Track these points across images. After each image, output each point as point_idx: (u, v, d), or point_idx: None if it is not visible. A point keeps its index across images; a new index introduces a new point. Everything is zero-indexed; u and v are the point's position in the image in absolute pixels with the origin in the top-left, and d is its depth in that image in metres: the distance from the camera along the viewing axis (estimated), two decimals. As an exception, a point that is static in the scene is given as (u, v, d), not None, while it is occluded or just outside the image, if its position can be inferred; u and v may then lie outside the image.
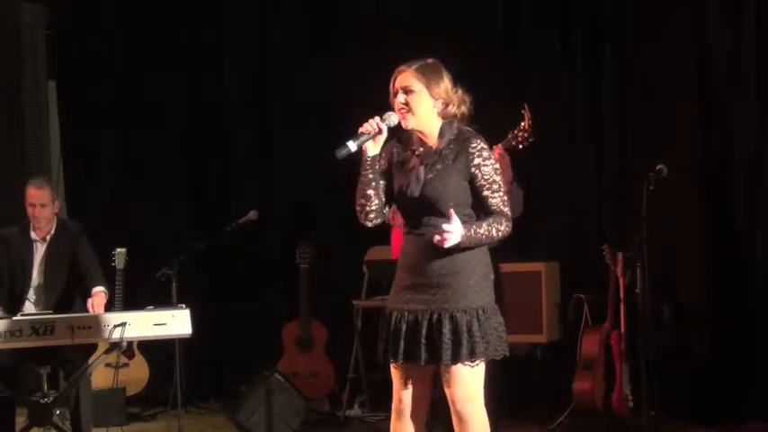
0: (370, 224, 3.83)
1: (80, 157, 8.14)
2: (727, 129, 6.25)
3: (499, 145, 5.03)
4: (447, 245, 3.57)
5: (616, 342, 5.95)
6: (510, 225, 3.73)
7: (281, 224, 7.46)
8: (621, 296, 5.95)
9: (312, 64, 7.53)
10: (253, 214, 6.62)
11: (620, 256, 5.96)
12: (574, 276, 6.53)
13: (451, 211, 3.60)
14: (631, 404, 5.90)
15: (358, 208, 3.81)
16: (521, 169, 5.16)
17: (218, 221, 6.79)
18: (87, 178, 8.07)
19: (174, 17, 7.92)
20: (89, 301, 5.47)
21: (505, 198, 3.74)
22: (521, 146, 5.04)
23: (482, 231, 3.65)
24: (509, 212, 3.73)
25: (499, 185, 3.72)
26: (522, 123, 5.04)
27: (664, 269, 6.07)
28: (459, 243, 3.60)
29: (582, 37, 6.74)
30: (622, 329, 5.94)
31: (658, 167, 5.56)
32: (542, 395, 6.39)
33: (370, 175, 3.75)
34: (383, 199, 3.81)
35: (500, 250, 5.27)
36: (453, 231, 3.57)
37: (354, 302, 6.78)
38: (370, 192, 3.76)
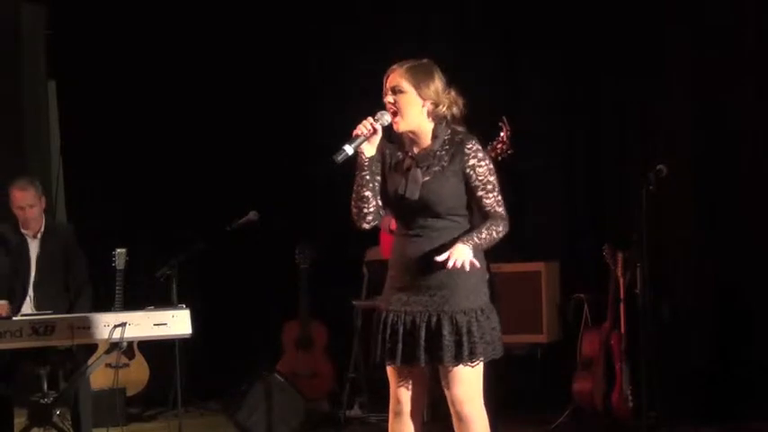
0: (367, 226, 3.78)
1: (80, 157, 8.13)
2: (726, 128, 6.25)
3: None
4: (464, 264, 3.54)
5: (616, 342, 5.95)
6: (506, 225, 3.72)
7: (280, 224, 7.45)
8: (621, 296, 5.94)
9: (311, 63, 7.52)
10: (253, 214, 6.60)
11: (620, 256, 5.95)
12: (574, 276, 6.53)
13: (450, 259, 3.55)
14: (631, 404, 5.90)
15: (355, 210, 3.76)
16: (520, 168, 5.16)
17: (218, 221, 6.78)
18: (87, 178, 8.06)
19: (173, 16, 7.91)
20: None
21: (500, 198, 3.72)
22: (500, 158, 5.07)
23: (484, 236, 3.65)
24: (503, 212, 3.72)
25: (493, 186, 3.70)
26: (501, 135, 5.08)
27: (664, 269, 6.07)
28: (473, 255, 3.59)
29: (580, 39, 6.75)
30: (622, 329, 5.94)
31: (658, 167, 5.55)
32: (542, 395, 6.39)
33: (368, 177, 3.71)
34: (379, 201, 3.77)
35: (500, 250, 5.32)
36: (460, 251, 3.55)
37: (354, 302, 6.77)
38: (368, 193, 3.72)
